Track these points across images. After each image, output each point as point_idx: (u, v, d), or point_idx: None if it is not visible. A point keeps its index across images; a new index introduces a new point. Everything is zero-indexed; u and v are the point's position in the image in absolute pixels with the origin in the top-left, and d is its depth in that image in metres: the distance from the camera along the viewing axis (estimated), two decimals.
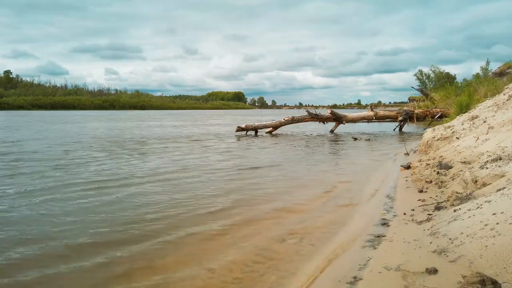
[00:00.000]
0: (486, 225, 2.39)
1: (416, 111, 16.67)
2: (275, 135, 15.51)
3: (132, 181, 5.81)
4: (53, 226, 3.61)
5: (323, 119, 16.73)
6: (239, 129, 16.02)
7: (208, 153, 9.43)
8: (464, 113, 9.00)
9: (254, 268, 2.71)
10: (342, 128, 17.49)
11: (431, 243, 2.60)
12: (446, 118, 12.02)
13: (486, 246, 2.20)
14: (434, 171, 5.02)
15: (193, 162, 7.84)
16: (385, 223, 3.41)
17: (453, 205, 3.38)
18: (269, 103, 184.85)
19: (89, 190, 5.16)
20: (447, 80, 34.18)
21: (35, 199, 4.61)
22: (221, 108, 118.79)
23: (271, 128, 16.34)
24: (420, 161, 5.91)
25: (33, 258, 2.91)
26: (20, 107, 72.48)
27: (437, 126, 8.56)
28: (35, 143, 11.39)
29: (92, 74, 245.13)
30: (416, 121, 16.60)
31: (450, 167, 4.89)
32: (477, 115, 7.30)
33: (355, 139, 13.29)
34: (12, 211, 4.09)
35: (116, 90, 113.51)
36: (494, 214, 2.47)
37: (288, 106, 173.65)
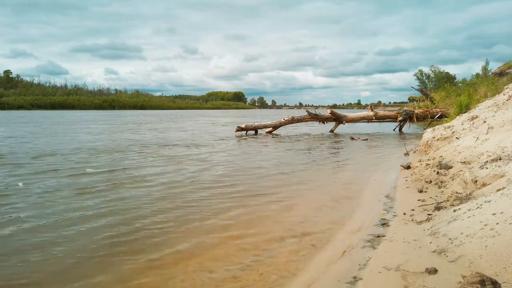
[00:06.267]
0: (486, 225, 2.39)
1: (416, 111, 16.66)
2: (275, 135, 15.51)
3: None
4: None
5: (323, 119, 16.73)
6: (239, 129, 16.03)
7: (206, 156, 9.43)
8: (464, 113, 9.00)
9: (254, 268, 2.71)
10: (342, 128, 17.49)
11: (431, 243, 2.60)
12: (446, 118, 12.02)
13: (486, 246, 2.20)
14: (434, 171, 5.01)
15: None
16: (385, 223, 3.41)
17: (453, 205, 3.38)
18: (269, 103, 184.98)
19: None
20: (446, 80, 34.20)
21: None
22: (221, 108, 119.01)
23: (271, 128, 16.35)
24: (420, 161, 5.91)
25: None
26: (20, 107, 72.50)
27: (437, 126, 8.56)
28: None
29: (92, 74, 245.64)
30: (416, 121, 16.59)
31: (450, 167, 4.89)
32: (477, 115, 7.30)
33: (353, 139, 13.30)
34: None
35: (116, 90, 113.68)
36: (494, 214, 2.47)
37: (288, 106, 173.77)
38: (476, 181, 3.71)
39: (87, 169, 6.69)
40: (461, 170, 4.52)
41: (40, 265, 2.82)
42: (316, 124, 17.82)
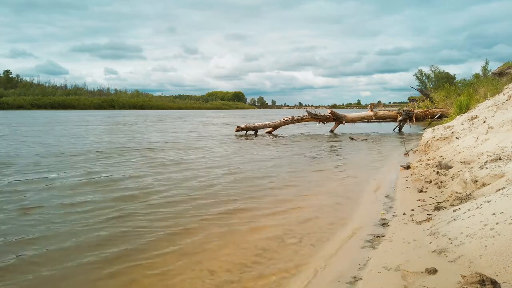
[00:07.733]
0: (485, 225, 2.39)
1: (415, 111, 16.67)
2: (275, 135, 15.51)
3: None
4: None
5: (323, 119, 16.73)
6: (239, 129, 16.04)
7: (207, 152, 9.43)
8: (463, 113, 9.01)
9: (254, 268, 2.71)
10: (342, 128, 17.49)
11: (430, 243, 2.60)
12: (446, 118, 12.03)
13: (486, 246, 2.20)
14: (434, 171, 5.02)
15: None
16: (384, 223, 3.41)
17: (453, 205, 3.39)
18: (269, 103, 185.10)
19: None
20: (446, 80, 34.20)
21: None
22: (221, 108, 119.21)
23: (271, 128, 16.35)
24: (419, 161, 5.92)
25: None
26: (19, 107, 72.47)
27: (436, 126, 8.57)
28: None
29: (92, 73, 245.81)
30: (416, 121, 16.61)
31: (450, 167, 4.90)
32: (476, 115, 7.30)
33: (352, 139, 13.31)
34: None
35: (116, 90, 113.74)
36: (494, 214, 2.47)
37: (288, 106, 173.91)
38: (476, 181, 3.72)
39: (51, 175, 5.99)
40: (461, 170, 4.52)
41: None
42: (316, 124, 17.82)
